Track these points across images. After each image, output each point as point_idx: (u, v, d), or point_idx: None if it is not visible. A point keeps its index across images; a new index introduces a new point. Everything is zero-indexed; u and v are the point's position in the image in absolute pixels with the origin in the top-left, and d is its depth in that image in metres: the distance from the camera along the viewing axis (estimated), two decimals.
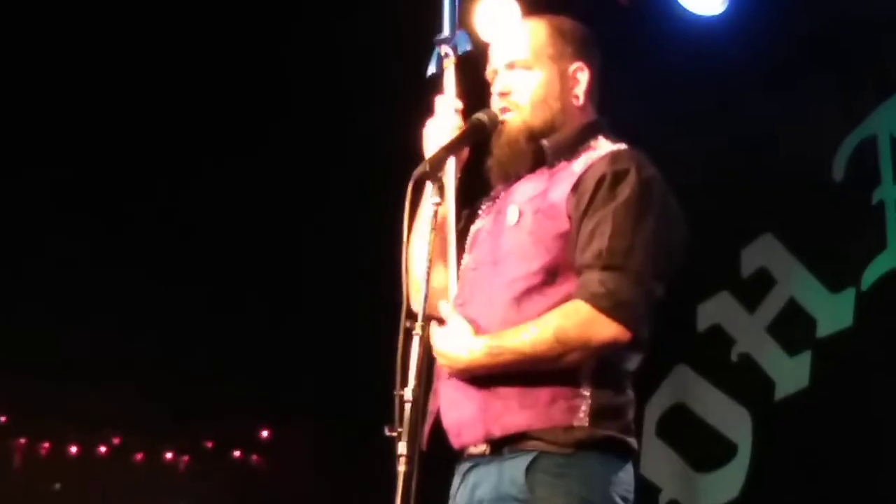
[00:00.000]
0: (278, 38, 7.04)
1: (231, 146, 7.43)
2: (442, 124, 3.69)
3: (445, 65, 3.82)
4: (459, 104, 3.74)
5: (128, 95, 7.23)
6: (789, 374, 6.21)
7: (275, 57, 7.18)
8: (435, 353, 3.41)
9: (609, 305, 3.37)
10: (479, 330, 3.45)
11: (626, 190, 3.47)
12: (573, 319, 3.42)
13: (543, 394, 3.45)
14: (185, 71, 7.25)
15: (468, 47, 3.83)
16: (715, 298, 6.53)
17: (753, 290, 6.42)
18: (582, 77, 3.68)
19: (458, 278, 3.75)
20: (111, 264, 7.16)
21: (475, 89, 3.94)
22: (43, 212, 7.16)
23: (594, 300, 3.38)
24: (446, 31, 3.80)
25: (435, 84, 3.81)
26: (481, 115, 3.62)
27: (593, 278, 3.39)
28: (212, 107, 7.25)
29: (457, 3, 3.88)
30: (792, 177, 6.19)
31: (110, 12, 6.69)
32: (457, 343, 3.42)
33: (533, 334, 3.42)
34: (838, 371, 5.99)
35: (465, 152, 3.70)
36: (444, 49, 3.79)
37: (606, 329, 3.39)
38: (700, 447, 6.61)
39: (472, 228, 3.84)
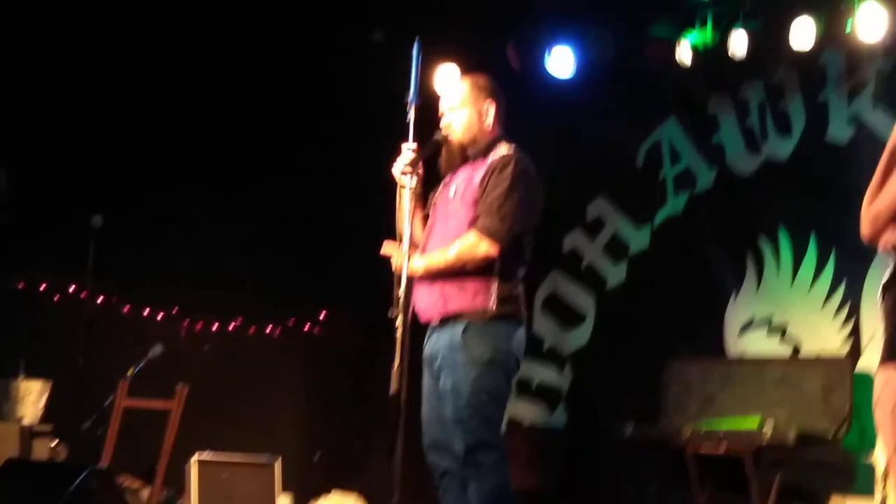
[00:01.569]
0: None
1: None
2: (403, 158, 4.42)
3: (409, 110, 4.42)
4: (414, 145, 4.38)
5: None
6: (614, 274, 7.73)
7: None
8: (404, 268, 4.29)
9: (484, 233, 4.39)
10: None
11: (506, 173, 4.48)
12: (465, 242, 4.43)
13: (470, 289, 4.46)
14: None
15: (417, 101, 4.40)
16: (572, 233, 7.86)
17: (594, 228, 7.82)
18: (491, 111, 4.63)
19: (425, 229, 4.70)
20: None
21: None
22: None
23: (477, 230, 4.41)
24: (411, 94, 4.38)
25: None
26: (437, 136, 4.62)
27: (480, 220, 4.42)
28: None
29: (418, 75, 4.43)
30: (616, 164, 7.72)
31: None
32: (413, 260, 4.32)
33: (446, 254, 4.45)
34: (641, 272, 7.60)
35: (428, 155, 4.57)
36: (408, 103, 4.38)
37: (483, 246, 4.41)
38: (565, 315, 7.89)
39: (432, 201, 4.77)
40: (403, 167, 4.39)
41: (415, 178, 4.40)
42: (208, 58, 7.44)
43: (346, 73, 4.34)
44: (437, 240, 4.57)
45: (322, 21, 7.26)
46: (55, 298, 7.11)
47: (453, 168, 4.70)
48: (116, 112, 7.13)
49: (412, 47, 4.45)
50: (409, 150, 4.38)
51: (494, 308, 4.41)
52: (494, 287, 4.44)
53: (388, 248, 4.48)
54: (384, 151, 4.66)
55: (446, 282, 4.46)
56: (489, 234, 4.38)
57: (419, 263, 4.43)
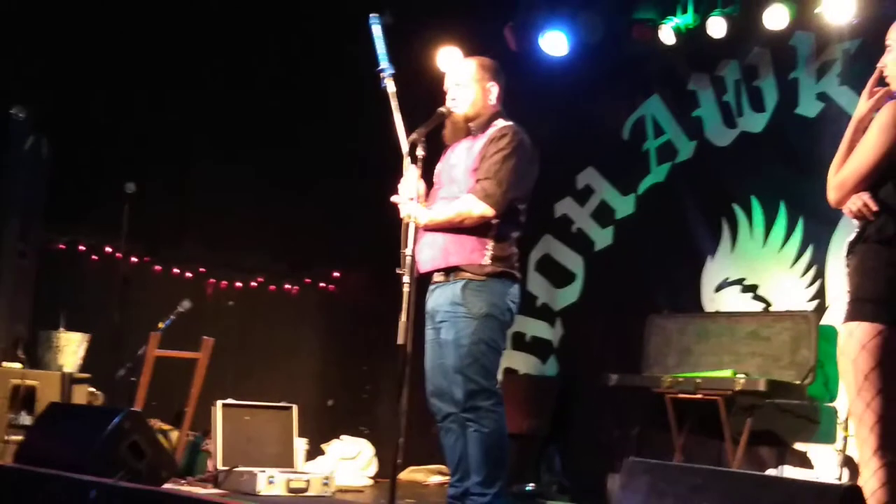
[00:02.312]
0: None
1: None
2: (407, 183, 4.49)
3: (387, 82, 4.57)
4: (407, 194, 4.45)
5: None
6: (602, 237, 7.67)
7: None
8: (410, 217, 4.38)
9: (482, 195, 4.43)
10: None
11: (502, 143, 4.51)
12: (466, 202, 4.46)
13: (467, 246, 4.47)
14: None
15: (390, 70, 4.56)
16: (563, 200, 7.86)
17: (583, 195, 7.80)
18: (493, 90, 4.67)
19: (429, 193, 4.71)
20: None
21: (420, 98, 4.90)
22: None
23: (475, 192, 4.44)
24: (384, 65, 4.56)
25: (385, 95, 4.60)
26: (442, 109, 4.63)
27: (479, 184, 4.46)
28: None
29: (382, 29, 4.57)
30: (604, 137, 7.70)
31: None
32: (419, 213, 4.40)
33: (448, 210, 4.49)
34: (626, 236, 7.55)
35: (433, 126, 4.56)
36: (385, 73, 4.56)
37: (479, 207, 4.44)
38: (557, 275, 7.88)
39: (436, 169, 4.79)
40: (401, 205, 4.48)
41: (422, 144, 4.41)
42: (230, 38, 7.42)
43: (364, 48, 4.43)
44: (439, 205, 4.59)
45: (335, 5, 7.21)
46: (93, 258, 7.14)
47: (456, 139, 4.69)
48: (148, 87, 7.10)
49: (372, 22, 4.52)
50: (411, 178, 4.47)
51: (489, 264, 4.44)
52: (490, 245, 4.48)
53: (397, 198, 4.50)
54: (392, 123, 4.61)
55: (445, 237, 4.49)
56: (487, 196, 4.41)
57: (424, 216, 4.45)
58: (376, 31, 4.56)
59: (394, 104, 4.56)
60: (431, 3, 6.69)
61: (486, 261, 4.45)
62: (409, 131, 4.48)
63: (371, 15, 4.58)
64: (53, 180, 6.61)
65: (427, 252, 4.54)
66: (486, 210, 4.41)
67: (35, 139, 6.31)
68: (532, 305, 7.82)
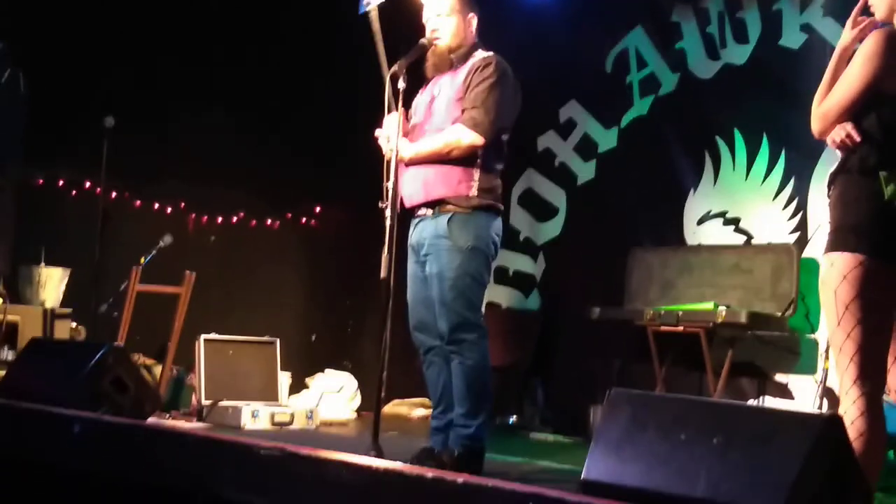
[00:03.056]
0: None
1: None
2: (391, 120, 4.47)
3: (371, 11, 4.65)
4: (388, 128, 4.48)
5: None
6: (585, 171, 7.74)
7: None
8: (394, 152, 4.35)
9: (470, 124, 4.43)
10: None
11: (487, 72, 4.51)
12: (454, 132, 4.46)
13: (454, 178, 4.46)
14: None
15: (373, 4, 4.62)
16: (546, 134, 7.91)
17: (566, 129, 7.84)
18: (473, 21, 4.66)
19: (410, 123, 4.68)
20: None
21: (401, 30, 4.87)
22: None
23: (463, 121, 4.44)
24: None
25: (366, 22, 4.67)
26: (423, 40, 4.61)
27: (466, 113, 4.46)
28: None
29: None
30: (587, 70, 7.72)
31: None
32: (402, 147, 4.41)
33: (435, 141, 4.49)
34: (609, 170, 7.61)
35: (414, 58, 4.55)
36: (364, 7, 4.66)
37: (469, 136, 4.44)
38: (539, 209, 7.94)
39: (414, 102, 4.74)
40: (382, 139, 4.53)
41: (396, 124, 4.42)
42: None
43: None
44: (425, 137, 4.57)
45: None
46: (72, 193, 7.16)
47: (438, 72, 4.66)
48: (127, 20, 7.06)
49: None
50: (391, 118, 4.45)
51: (476, 196, 4.44)
52: (476, 176, 4.47)
53: (381, 131, 4.52)
54: (373, 61, 4.61)
55: (431, 170, 4.48)
56: (475, 125, 4.41)
57: (408, 150, 4.45)
58: None
59: (377, 35, 4.57)
60: None
61: (473, 192, 4.44)
62: (389, 65, 4.47)
63: None
64: (31, 115, 6.57)
65: (411, 186, 4.53)
66: (476, 138, 4.40)
67: (12, 73, 6.30)
68: (515, 240, 7.86)
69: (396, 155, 4.34)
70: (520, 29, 7.27)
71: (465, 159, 4.45)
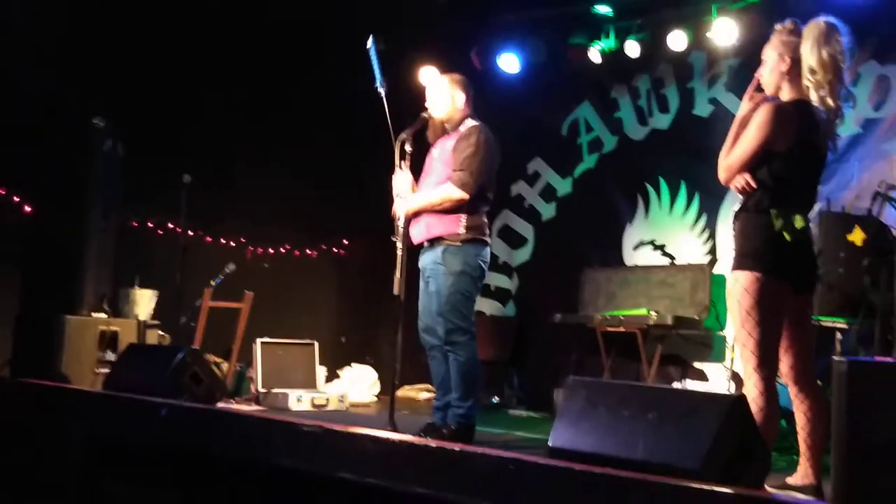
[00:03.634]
0: None
1: None
2: (400, 177, 4.44)
3: (381, 94, 4.51)
4: (408, 173, 4.44)
5: None
6: (547, 211, 7.63)
7: None
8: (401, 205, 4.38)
9: (458, 184, 4.37)
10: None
11: (471, 140, 4.41)
12: (446, 189, 4.38)
13: (447, 220, 4.41)
14: None
15: (383, 85, 4.49)
16: (517, 182, 7.73)
17: (532, 178, 7.73)
18: (462, 97, 4.53)
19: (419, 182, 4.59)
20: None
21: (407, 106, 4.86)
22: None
23: (452, 181, 4.38)
24: (378, 78, 4.48)
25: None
26: (424, 114, 4.54)
27: (455, 174, 4.38)
28: None
29: (377, 57, 4.47)
30: (548, 133, 7.61)
31: None
32: (409, 200, 4.39)
33: (432, 196, 4.42)
34: (566, 209, 7.52)
35: (419, 127, 4.51)
36: (379, 88, 4.50)
37: (456, 192, 4.37)
38: (513, 239, 7.69)
39: (426, 160, 4.65)
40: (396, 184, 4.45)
41: (406, 177, 4.41)
42: (265, 67, 7.34)
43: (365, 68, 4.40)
44: (426, 187, 4.54)
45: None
46: (159, 232, 7.14)
47: (436, 138, 4.62)
48: (199, 103, 7.03)
49: (369, 44, 4.43)
50: (404, 172, 4.42)
51: (465, 232, 4.38)
52: (464, 218, 4.40)
53: (394, 188, 4.46)
54: (391, 129, 4.57)
55: (432, 216, 4.43)
56: (462, 184, 4.35)
57: (411, 202, 4.40)
58: (373, 53, 4.48)
59: (386, 112, 4.50)
60: (415, 33, 6.51)
61: (461, 230, 4.37)
62: (396, 133, 4.42)
63: (368, 40, 4.50)
64: (127, 173, 6.53)
65: (416, 228, 4.47)
66: (462, 195, 4.34)
67: (112, 142, 6.25)
68: (495, 262, 7.50)
69: (402, 214, 4.35)
70: (498, 102, 6.96)
71: (455, 207, 4.39)
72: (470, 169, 4.34)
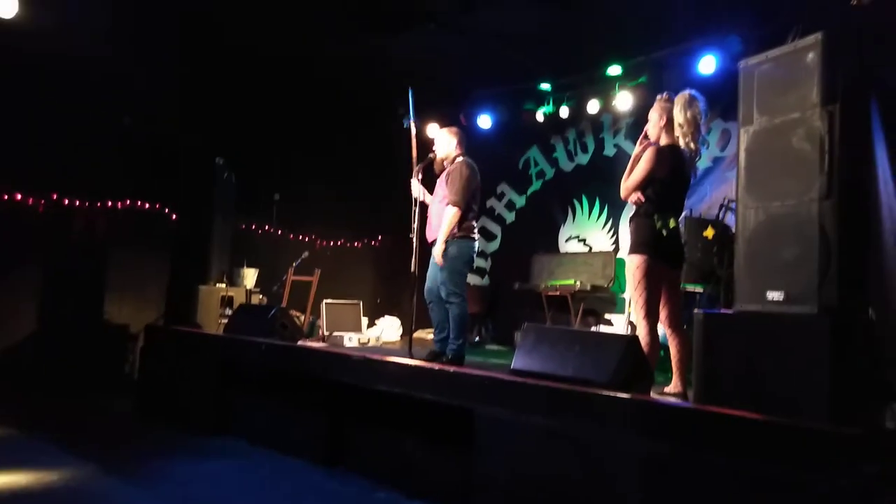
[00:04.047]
0: None
1: None
2: (414, 185, 4.15)
3: (410, 127, 4.23)
4: (418, 179, 4.11)
5: None
6: (509, 217, 7.36)
7: None
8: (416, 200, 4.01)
9: (452, 204, 4.01)
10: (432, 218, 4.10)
11: (457, 173, 4.06)
12: (447, 212, 4.03)
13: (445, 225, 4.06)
14: None
15: (414, 121, 4.21)
16: (491, 199, 7.29)
17: (500, 196, 7.41)
18: (455, 143, 4.23)
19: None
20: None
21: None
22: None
23: (449, 202, 4.03)
24: (411, 117, 4.19)
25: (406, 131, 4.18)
26: (431, 154, 4.26)
27: (450, 197, 4.04)
28: None
29: (412, 104, 4.15)
30: (510, 166, 7.21)
31: None
32: (438, 252, 3.99)
33: (446, 221, 4.01)
34: (521, 216, 7.14)
35: (427, 164, 4.22)
36: (408, 123, 4.21)
37: (451, 210, 4.03)
38: (487, 236, 7.49)
39: (436, 186, 4.27)
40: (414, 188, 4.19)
41: (418, 184, 4.17)
42: (326, 122, 7.16)
43: (393, 118, 4.33)
44: (434, 208, 4.26)
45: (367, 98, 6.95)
46: (259, 233, 7.03)
47: (440, 170, 4.46)
48: (284, 146, 6.90)
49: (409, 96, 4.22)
50: (416, 180, 4.14)
51: (458, 232, 4.21)
52: (456, 224, 4.24)
53: (413, 188, 4.26)
54: (415, 155, 4.42)
55: (437, 225, 4.26)
56: (454, 203, 4.16)
57: (440, 236, 4.06)
58: (410, 100, 4.20)
59: (413, 141, 4.30)
60: (427, 104, 6.44)
61: (457, 230, 4.13)
62: (418, 159, 4.22)
63: (409, 92, 4.20)
64: (238, 194, 6.45)
65: (429, 230, 4.26)
66: (456, 211, 4.08)
67: (227, 174, 6.19)
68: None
69: (417, 204, 4.04)
70: (478, 146, 6.54)
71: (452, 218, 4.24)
72: (458, 194, 4.10)
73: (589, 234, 6.71)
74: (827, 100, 2.40)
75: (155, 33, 5.40)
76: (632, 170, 3.48)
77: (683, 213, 3.92)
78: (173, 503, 3.02)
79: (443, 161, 4.42)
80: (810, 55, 2.47)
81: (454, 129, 4.45)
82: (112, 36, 5.23)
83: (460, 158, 4.31)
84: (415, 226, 4.11)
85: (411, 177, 4.18)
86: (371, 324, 7.14)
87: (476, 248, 4.24)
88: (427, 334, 7.25)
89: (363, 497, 3.29)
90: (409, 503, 3.16)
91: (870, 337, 2.29)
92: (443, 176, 4.34)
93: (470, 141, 4.63)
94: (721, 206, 4.80)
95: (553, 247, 6.91)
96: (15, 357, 5.19)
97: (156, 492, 3.15)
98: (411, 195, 4.23)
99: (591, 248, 6.61)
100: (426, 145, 4.46)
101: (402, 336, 7.09)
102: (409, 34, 5.63)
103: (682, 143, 3.39)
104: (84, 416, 4.77)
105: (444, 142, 4.36)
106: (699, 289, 4.63)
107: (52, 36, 4.89)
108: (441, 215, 4.15)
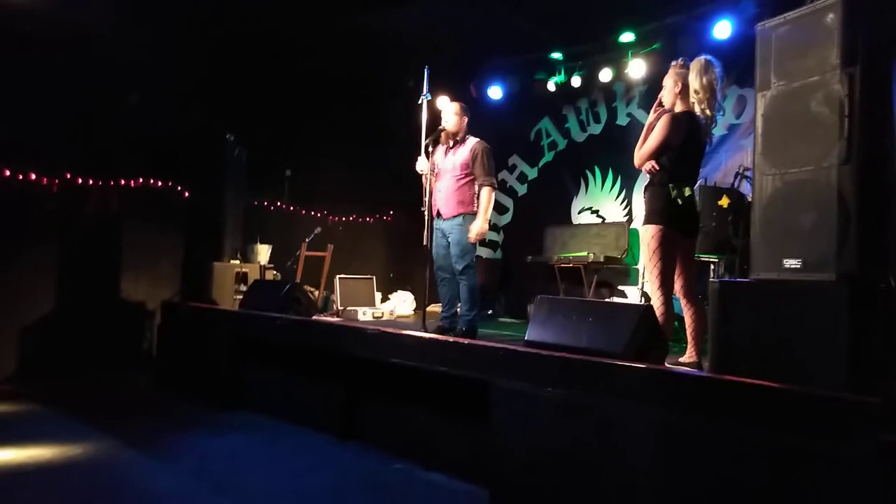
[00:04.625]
0: None
1: None
2: (421, 161, 4.11)
3: (423, 103, 4.14)
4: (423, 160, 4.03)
5: None
6: (521, 189, 7.29)
7: None
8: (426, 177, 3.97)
9: (488, 185, 4.08)
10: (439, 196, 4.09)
11: (483, 156, 4.10)
12: (484, 194, 4.05)
13: (467, 202, 4.14)
14: None
15: (429, 97, 4.12)
16: (503, 172, 7.23)
17: (512, 169, 7.30)
18: (465, 120, 4.23)
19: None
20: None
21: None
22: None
23: (484, 185, 4.09)
24: (425, 90, 4.09)
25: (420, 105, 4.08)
26: (441, 127, 4.21)
27: (483, 178, 4.09)
28: None
29: (427, 79, 4.04)
30: (522, 138, 7.16)
31: None
32: (481, 220, 3.97)
33: (483, 204, 4.03)
34: (534, 188, 7.17)
35: (437, 137, 4.14)
36: (422, 97, 4.12)
37: (489, 190, 4.07)
38: (500, 208, 7.40)
39: (434, 158, 4.19)
40: (420, 166, 4.13)
41: (424, 160, 4.06)
42: (341, 92, 7.02)
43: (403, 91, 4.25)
44: (442, 181, 4.20)
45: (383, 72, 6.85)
46: (271, 208, 6.99)
47: (445, 143, 4.39)
48: (297, 123, 6.84)
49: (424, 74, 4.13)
50: (423, 156, 4.08)
51: (475, 208, 4.21)
52: (475, 200, 4.23)
53: (418, 164, 4.23)
54: (424, 128, 4.34)
55: (455, 198, 4.16)
56: (490, 184, 4.14)
57: (482, 217, 4.06)
58: (426, 77, 4.11)
59: (424, 115, 4.19)
60: (434, 73, 6.44)
61: (474, 207, 4.14)
62: (428, 133, 4.17)
63: (425, 69, 4.12)
64: (250, 170, 6.41)
65: (447, 207, 4.19)
66: (493, 190, 4.12)
67: (238, 150, 6.15)
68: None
69: (428, 179, 4.02)
70: (489, 118, 6.71)
71: (472, 194, 4.13)
72: (491, 173, 4.14)
73: (602, 206, 6.65)
74: (847, 62, 2.33)
75: (162, 10, 5.35)
76: (646, 138, 3.44)
77: (698, 182, 3.91)
78: (193, 476, 3.07)
79: (450, 136, 4.36)
80: (830, 16, 2.40)
81: (464, 105, 4.39)
82: (120, 14, 5.23)
83: (473, 139, 4.27)
84: (426, 200, 4.09)
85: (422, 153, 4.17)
86: (385, 298, 7.18)
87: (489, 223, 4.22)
88: (440, 308, 7.30)
89: (380, 468, 3.33)
90: (426, 474, 3.18)
91: (890, 304, 2.22)
92: (452, 152, 4.29)
93: (480, 112, 4.51)
94: (736, 174, 4.74)
95: (566, 219, 6.87)
96: (35, 335, 5.27)
97: (176, 465, 3.20)
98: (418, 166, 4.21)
99: (604, 220, 6.56)
100: (437, 120, 4.39)
101: (415, 310, 7.14)
102: (417, 3, 5.58)
103: (697, 109, 3.34)
104: (104, 392, 4.83)
105: (455, 117, 4.30)
106: (714, 259, 4.60)
107: (59, 14, 4.92)
108: (450, 189, 4.12)
